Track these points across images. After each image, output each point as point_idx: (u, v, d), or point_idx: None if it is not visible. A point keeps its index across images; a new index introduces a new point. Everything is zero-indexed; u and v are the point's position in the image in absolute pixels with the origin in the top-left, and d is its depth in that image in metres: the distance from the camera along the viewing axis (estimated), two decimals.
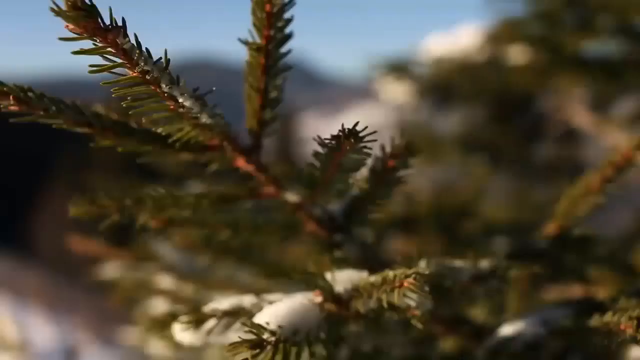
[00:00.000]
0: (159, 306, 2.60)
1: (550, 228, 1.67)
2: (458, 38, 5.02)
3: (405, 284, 1.06)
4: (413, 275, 1.06)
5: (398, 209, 2.88)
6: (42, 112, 1.06)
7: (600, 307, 1.39)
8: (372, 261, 1.37)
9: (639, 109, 3.90)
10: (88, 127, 1.11)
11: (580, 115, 4.12)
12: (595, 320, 1.26)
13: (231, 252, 1.82)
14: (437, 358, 1.61)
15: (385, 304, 1.10)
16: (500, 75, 4.13)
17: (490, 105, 4.50)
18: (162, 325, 1.50)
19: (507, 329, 1.47)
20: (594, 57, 3.60)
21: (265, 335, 1.06)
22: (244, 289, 1.98)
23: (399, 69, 4.40)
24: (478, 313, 1.76)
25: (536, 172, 4.50)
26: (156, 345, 3.14)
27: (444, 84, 4.44)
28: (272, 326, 1.07)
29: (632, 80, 3.60)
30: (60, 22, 0.90)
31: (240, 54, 1.15)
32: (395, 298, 1.07)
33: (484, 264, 1.35)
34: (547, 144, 4.62)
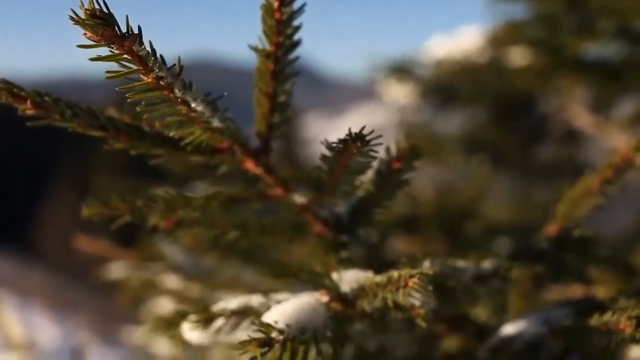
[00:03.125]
0: (165, 306, 2.62)
1: (551, 229, 1.70)
2: (460, 40, 5.05)
3: (410, 283, 1.09)
4: (417, 275, 1.09)
5: (401, 210, 2.90)
6: (57, 116, 1.09)
7: (600, 307, 1.42)
8: (376, 261, 1.40)
9: (639, 111, 3.92)
10: (102, 131, 1.14)
11: (581, 117, 4.15)
12: (595, 320, 1.29)
13: (238, 253, 1.85)
14: (440, 357, 1.64)
15: (390, 303, 1.13)
16: (502, 77, 4.15)
17: (492, 106, 4.52)
18: (169, 324, 1.53)
19: (509, 329, 1.50)
20: (595, 60, 3.62)
21: (274, 334, 1.09)
22: (250, 289, 2.01)
23: (402, 70, 4.43)
24: (480, 313, 1.79)
25: (537, 173, 4.52)
26: (161, 345, 3.17)
27: (446, 86, 4.47)
28: (280, 325, 1.11)
29: (632, 82, 3.63)
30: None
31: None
32: (400, 297, 1.10)
33: (487, 264, 1.38)
34: (548, 145, 4.64)
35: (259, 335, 1.08)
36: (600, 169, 1.56)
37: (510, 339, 1.47)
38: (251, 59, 1.23)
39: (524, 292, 1.71)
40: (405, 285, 1.09)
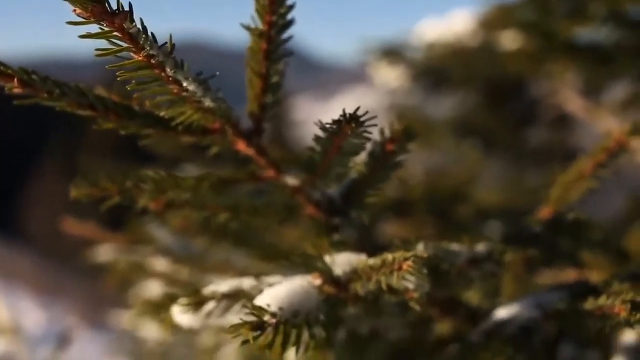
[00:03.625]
0: (153, 289, 2.61)
1: (544, 212, 1.69)
2: (451, 23, 5.03)
3: (404, 266, 1.07)
4: (411, 258, 1.07)
5: (392, 193, 2.89)
6: (45, 95, 1.06)
7: (594, 291, 1.41)
8: (369, 244, 1.39)
9: (630, 95, 3.91)
10: (90, 110, 1.12)
11: (572, 101, 4.14)
12: (589, 304, 1.28)
13: (228, 235, 1.84)
14: (433, 341, 1.63)
15: (384, 287, 1.12)
16: (493, 61, 4.14)
17: (483, 90, 4.51)
18: (158, 308, 1.52)
19: (502, 312, 1.49)
20: (586, 44, 3.61)
21: (266, 317, 1.07)
22: (240, 272, 1.99)
23: (393, 53, 4.41)
24: (472, 296, 1.78)
25: (528, 157, 4.52)
26: (149, 329, 3.16)
27: (437, 69, 4.45)
28: (273, 308, 1.09)
29: (623, 66, 3.62)
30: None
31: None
32: (395, 280, 1.09)
33: (480, 247, 1.37)
34: (539, 130, 4.63)
35: (251, 318, 1.06)
36: (593, 152, 1.55)
37: (503, 323, 1.46)
38: (242, 41, 1.21)
39: (517, 276, 1.70)
40: (400, 268, 1.08)
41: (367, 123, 1.05)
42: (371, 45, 4.38)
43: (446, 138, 4.35)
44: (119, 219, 2.61)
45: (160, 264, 2.38)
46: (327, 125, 1.07)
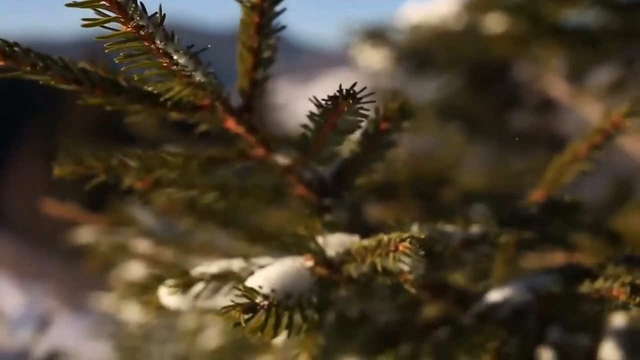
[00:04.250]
0: (135, 271, 2.57)
1: (537, 195, 1.67)
2: (436, 5, 4.98)
3: (401, 247, 1.04)
4: (408, 239, 1.04)
5: (376, 176, 2.86)
6: (29, 68, 1.02)
7: (588, 274, 1.39)
8: (361, 226, 1.36)
9: (615, 80, 3.90)
10: (76, 84, 1.07)
11: (556, 86, 4.13)
12: (585, 287, 1.26)
13: (214, 216, 1.80)
14: (423, 324, 1.60)
15: (379, 268, 1.09)
16: (478, 44, 4.11)
17: (467, 73, 4.48)
18: (143, 289, 1.48)
19: (494, 296, 1.47)
20: (573, 27, 3.59)
21: (258, 299, 1.04)
22: (224, 254, 1.96)
23: (376, 35, 4.37)
24: (458, 279, 1.76)
25: (512, 141, 4.50)
26: (130, 312, 3.12)
27: (421, 51, 4.41)
28: (265, 290, 1.06)
29: (609, 50, 3.60)
30: None
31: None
32: (390, 262, 1.06)
33: (475, 229, 1.34)
34: (523, 114, 4.62)
35: (243, 300, 1.03)
36: (588, 134, 1.52)
37: (495, 306, 1.43)
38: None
39: (507, 259, 1.68)
40: (396, 250, 1.05)
41: (364, 99, 1.02)
42: (354, 27, 4.33)
43: (430, 121, 4.32)
44: (100, 201, 2.57)
45: (142, 245, 2.34)
46: (323, 101, 1.03)
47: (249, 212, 2.19)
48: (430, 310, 1.68)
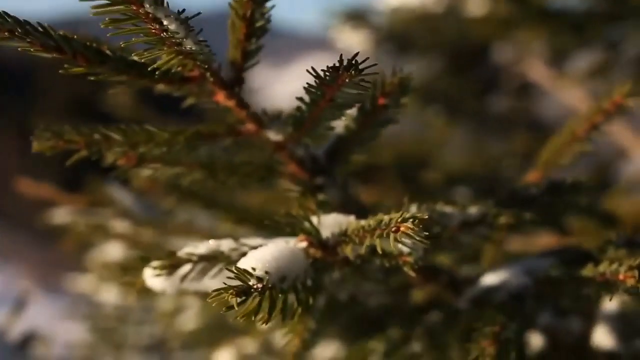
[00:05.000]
0: (113, 252, 2.51)
1: (532, 176, 1.62)
2: None
3: (402, 228, 0.99)
4: (410, 220, 0.99)
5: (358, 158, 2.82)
6: (6, 34, 0.95)
7: (587, 258, 1.35)
8: (354, 206, 1.30)
9: (596, 65, 3.88)
10: (57, 52, 1.00)
11: (536, 69, 4.10)
12: (588, 270, 1.22)
13: (197, 196, 1.74)
14: (414, 308, 1.56)
15: (379, 250, 1.03)
16: (458, 26, 4.07)
17: (447, 56, 4.44)
18: (125, 270, 1.41)
19: (490, 279, 1.42)
20: (557, 10, 3.56)
21: (252, 282, 0.98)
22: (206, 235, 1.90)
23: (357, 17, 4.31)
24: (443, 261, 1.72)
25: (491, 125, 4.48)
26: (107, 293, 3.06)
27: (402, 34, 4.37)
28: (259, 272, 1.00)
29: (592, 33, 3.58)
30: None
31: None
32: (391, 243, 1.00)
33: (473, 210, 1.29)
34: (502, 97, 4.60)
35: (236, 282, 0.97)
36: (588, 113, 1.48)
37: (491, 290, 1.39)
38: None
39: (499, 242, 1.64)
40: (397, 230, 0.99)
41: (367, 70, 0.96)
42: (335, 9, 4.27)
43: (410, 104, 4.26)
44: (77, 181, 2.50)
45: (121, 226, 2.28)
46: (322, 72, 0.97)
47: (233, 193, 2.13)
48: (419, 294, 1.63)
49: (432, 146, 3.99)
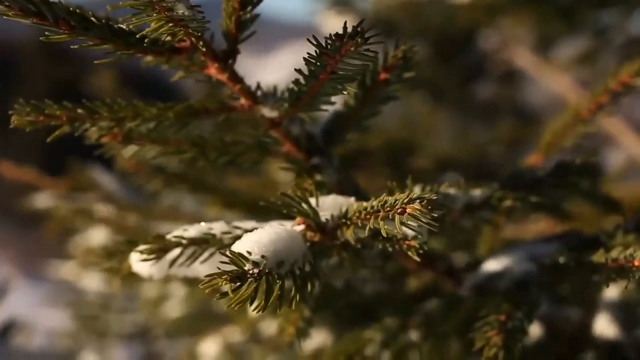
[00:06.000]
0: (96, 237, 2.44)
1: (533, 159, 1.57)
2: None
3: (409, 209, 0.92)
4: (417, 200, 0.92)
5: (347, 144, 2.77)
6: None
7: (594, 243, 1.29)
8: (351, 187, 1.23)
9: (583, 52, 3.85)
10: (37, 18, 0.93)
11: (522, 56, 4.07)
12: (599, 256, 1.16)
13: (184, 179, 1.67)
14: (411, 295, 1.50)
15: (383, 233, 0.96)
16: (443, 13, 4.03)
17: (432, 43, 4.40)
18: (108, 256, 1.34)
19: (492, 266, 1.36)
20: None
21: (248, 267, 0.91)
22: (192, 219, 1.83)
23: (341, 3, 4.26)
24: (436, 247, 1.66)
25: (476, 111, 4.46)
26: (90, 280, 2.99)
27: (387, 20, 4.32)
28: (255, 256, 0.93)
29: (580, 20, 3.54)
30: None
31: None
32: (396, 226, 0.93)
33: (477, 192, 1.23)
34: (487, 84, 4.57)
35: (230, 267, 0.90)
36: (594, 93, 1.42)
37: (494, 277, 1.32)
38: None
39: (499, 226, 1.58)
40: (403, 212, 0.92)
41: (373, 39, 0.89)
42: None
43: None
44: (59, 165, 2.43)
45: (104, 210, 2.21)
46: (325, 39, 0.90)
47: (221, 177, 2.06)
48: (415, 282, 1.57)
49: (420, 132, 3.95)
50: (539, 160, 1.52)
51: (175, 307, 2.51)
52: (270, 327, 1.89)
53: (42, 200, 2.31)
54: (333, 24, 4.64)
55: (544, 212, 1.57)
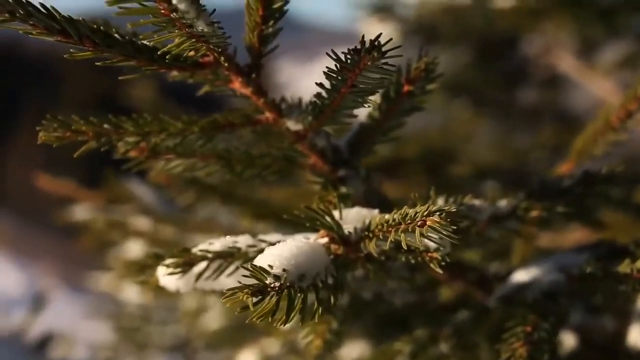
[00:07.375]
0: (134, 250, 2.47)
1: (565, 167, 1.55)
2: None
3: (429, 222, 0.92)
4: (437, 213, 0.92)
5: (385, 152, 2.77)
6: (6, 15, 0.89)
7: (622, 252, 1.28)
8: (378, 199, 1.23)
9: (625, 56, 3.80)
10: (61, 36, 0.95)
11: (565, 61, 4.03)
12: (624, 266, 1.14)
13: (215, 191, 1.68)
14: (441, 306, 1.49)
15: (404, 245, 0.96)
16: (485, 18, 4.01)
17: (474, 48, 4.38)
18: (141, 268, 1.35)
19: (521, 276, 1.35)
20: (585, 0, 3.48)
21: (269, 280, 0.92)
22: (227, 231, 1.84)
23: (383, 9, 4.26)
24: (472, 258, 1.65)
25: (519, 117, 4.42)
26: (130, 292, 3.02)
27: (429, 26, 4.31)
28: (276, 270, 0.93)
29: (622, 22, 3.50)
30: None
31: None
32: (417, 238, 0.93)
33: (503, 203, 1.22)
34: (530, 89, 4.54)
35: (252, 281, 0.91)
36: (622, 101, 1.40)
37: (523, 287, 1.31)
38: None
39: (530, 237, 1.56)
40: (424, 224, 0.92)
41: (390, 53, 0.89)
42: (361, 1, 4.23)
43: (436, 97, 4.21)
44: (97, 178, 2.47)
45: (140, 222, 2.23)
46: (344, 55, 0.90)
47: (254, 189, 2.07)
48: (446, 292, 1.57)
49: (459, 139, 3.92)
50: (570, 168, 1.50)
51: (214, 319, 2.53)
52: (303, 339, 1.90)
53: (80, 212, 2.35)
54: (375, 30, 4.64)
55: (575, 222, 1.55)
